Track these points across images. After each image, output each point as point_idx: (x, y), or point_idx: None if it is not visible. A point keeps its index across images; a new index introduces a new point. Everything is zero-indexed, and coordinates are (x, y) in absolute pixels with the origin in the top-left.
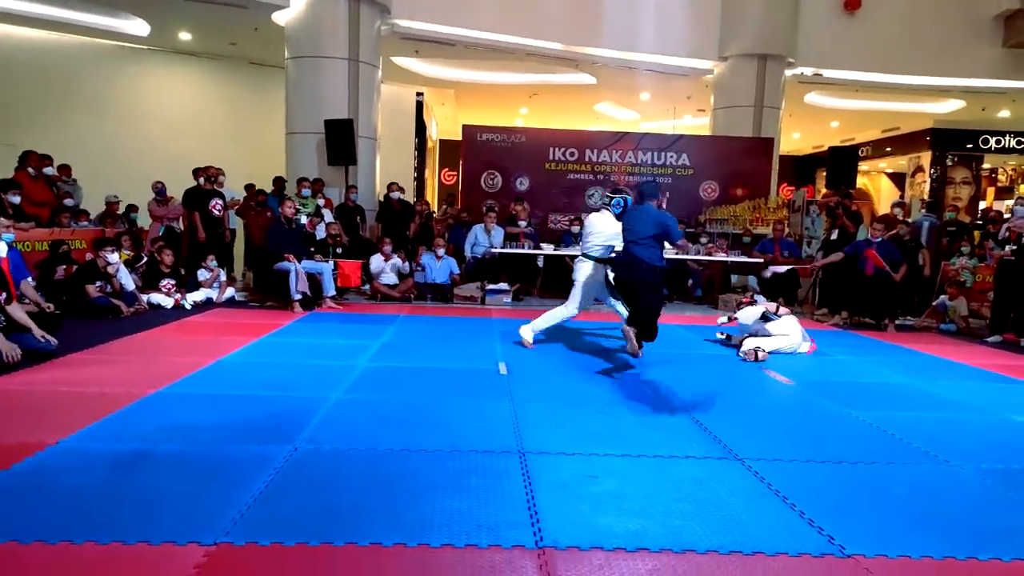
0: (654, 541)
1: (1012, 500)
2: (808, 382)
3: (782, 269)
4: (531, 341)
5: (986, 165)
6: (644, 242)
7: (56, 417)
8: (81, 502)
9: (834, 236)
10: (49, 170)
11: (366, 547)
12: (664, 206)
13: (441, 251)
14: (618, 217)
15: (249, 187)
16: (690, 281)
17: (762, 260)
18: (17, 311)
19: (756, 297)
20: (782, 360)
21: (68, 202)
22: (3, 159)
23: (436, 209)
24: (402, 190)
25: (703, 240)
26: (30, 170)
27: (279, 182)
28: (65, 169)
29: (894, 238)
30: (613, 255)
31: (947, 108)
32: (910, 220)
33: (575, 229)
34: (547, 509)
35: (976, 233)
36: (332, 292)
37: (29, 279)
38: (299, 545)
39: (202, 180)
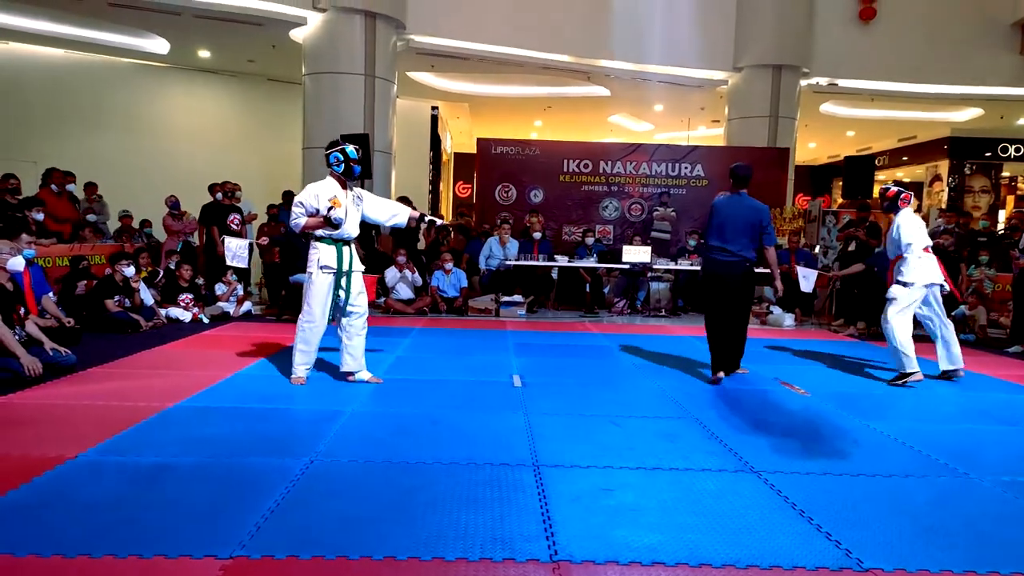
0: (670, 555)
1: None
2: (824, 394)
3: (813, 275)
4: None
5: (1005, 173)
6: (742, 241)
7: (76, 431)
8: (100, 516)
9: (851, 247)
10: (71, 187)
11: (381, 560)
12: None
13: (449, 265)
14: (345, 175)
15: (271, 207)
16: None
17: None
18: (31, 326)
19: (772, 308)
20: (799, 371)
21: (91, 217)
22: (26, 176)
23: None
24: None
25: None
26: (53, 187)
27: (289, 196)
28: (91, 187)
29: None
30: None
31: (964, 116)
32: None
33: (589, 240)
34: (562, 522)
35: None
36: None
37: (50, 294)
38: (315, 559)
39: (220, 196)
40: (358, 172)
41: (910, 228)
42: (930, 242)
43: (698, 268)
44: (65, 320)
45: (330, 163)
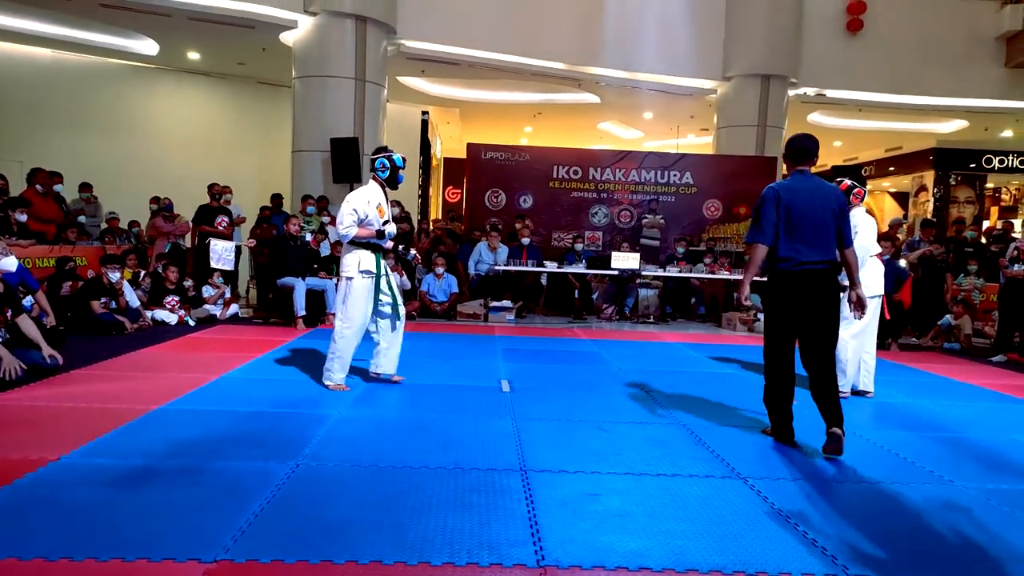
0: (656, 560)
1: (1018, 520)
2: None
3: None
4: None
5: (989, 184)
6: (825, 238)
7: (59, 433)
8: (82, 518)
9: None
10: (59, 187)
11: (367, 565)
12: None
13: (440, 270)
14: (388, 182)
15: (264, 209)
16: (693, 299)
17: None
18: (29, 327)
19: (759, 316)
20: None
21: (82, 219)
22: (13, 175)
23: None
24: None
25: (706, 259)
26: (38, 187)
27: (276, 199)
28: (86, 187)
29: (925, 259)
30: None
31: (950, 128)
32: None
33: (578, 247)
34: (549, 527)
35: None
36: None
37: (39, 292)
38: (300, 563)
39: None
40: (401, 181)
41: (869, 232)
42: (879, 249)
43: (687, 276)
44: (49, 318)
45: (375, 168)
